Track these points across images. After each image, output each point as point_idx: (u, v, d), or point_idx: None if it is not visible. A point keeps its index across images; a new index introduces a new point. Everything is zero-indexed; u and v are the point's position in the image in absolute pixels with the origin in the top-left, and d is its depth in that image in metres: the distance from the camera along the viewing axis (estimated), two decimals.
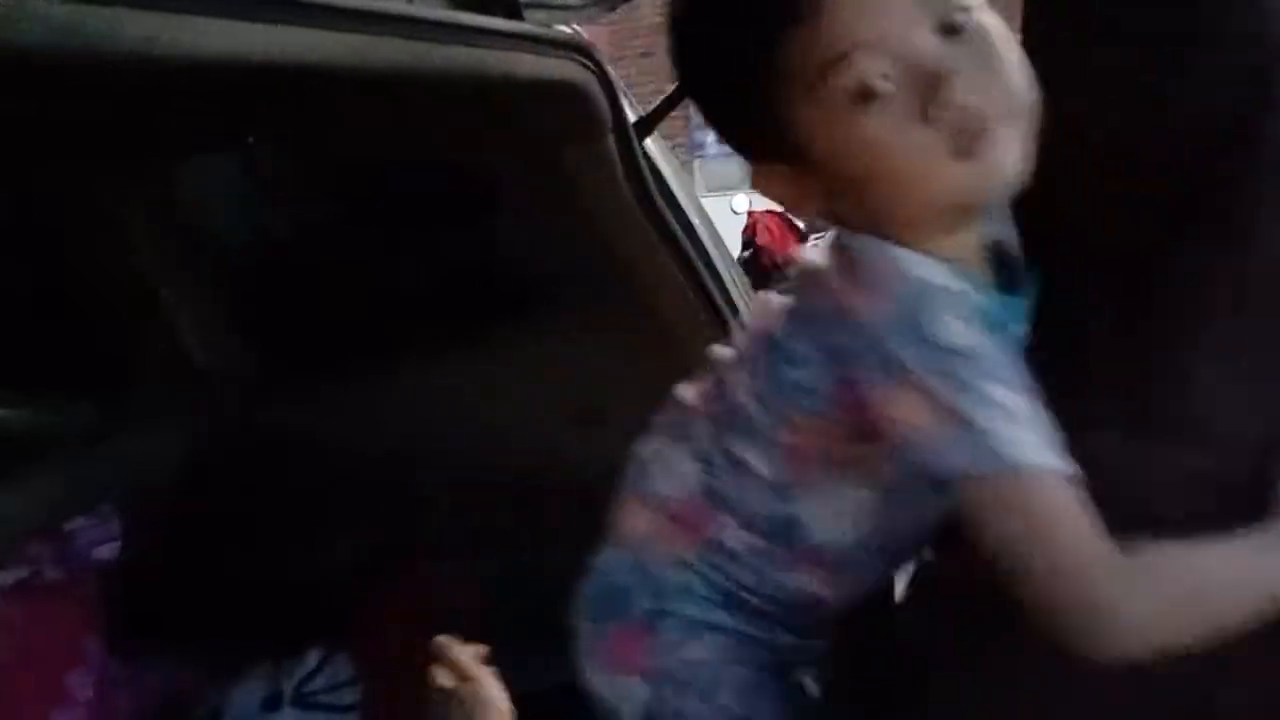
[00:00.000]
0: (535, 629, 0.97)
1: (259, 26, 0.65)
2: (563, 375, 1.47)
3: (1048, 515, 0.62)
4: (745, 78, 0.66)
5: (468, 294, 1.47)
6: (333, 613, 1.49)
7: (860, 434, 0.69)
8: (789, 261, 4.05)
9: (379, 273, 1.52)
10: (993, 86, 0.64)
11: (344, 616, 1.50)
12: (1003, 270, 0.73)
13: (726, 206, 5.65)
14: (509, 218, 1.42)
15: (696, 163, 8.55)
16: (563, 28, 1.06)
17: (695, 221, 1.28)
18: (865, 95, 0.63)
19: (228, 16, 0.63)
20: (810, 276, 0.73)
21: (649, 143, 1.22)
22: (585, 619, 0.88)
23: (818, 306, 0.71)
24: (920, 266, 0.66)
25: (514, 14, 0.97)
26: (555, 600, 0.89)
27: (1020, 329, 0.71)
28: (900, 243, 0.67)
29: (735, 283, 1.35)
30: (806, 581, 0.81)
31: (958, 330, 0.63)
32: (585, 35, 1.10)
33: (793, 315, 0.74)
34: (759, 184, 0.73)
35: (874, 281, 0.66)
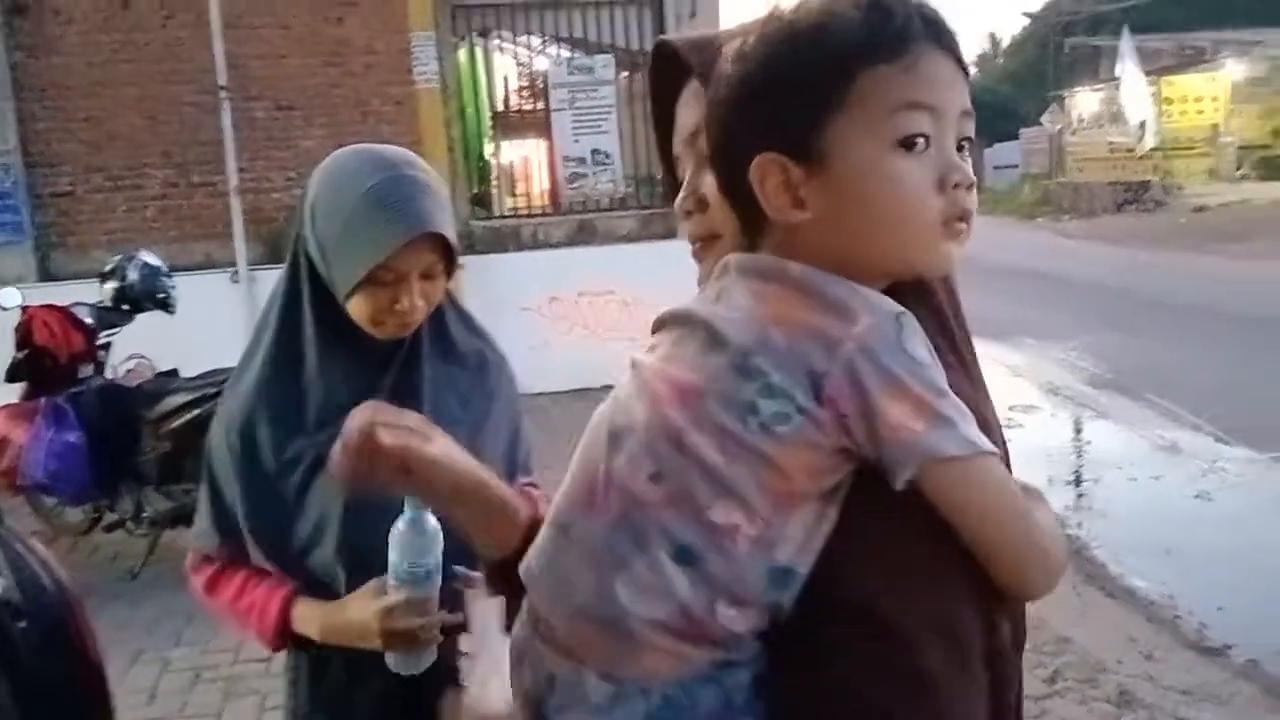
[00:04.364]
0: None
1: None
2: None
3: (1002, 483, 0.79)
4: (817, 80, 0.77)
5: None
6: None
7: (843, 444, 0.76)
8: (77, 359, 3.54)
9: None
10: (972, 204, 0.80)
11: None
12: None
13: None
14: None
15: None
16: None
17: None
18: (909, 144, 0.77)
19: None
20: (735, 320, 0.79)
21: None
22: None
23: (776, 336, 0.76)
24: (878, 295, 0.77)
25: None
26: None
27: None
28: (849, 278, 0.78)
29: None
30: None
31: (920, 347, 0.76)
32: None
33: (746, 355, 0.77)
34: (757, 168, 0.80)
35: (840, 307, 0.76)
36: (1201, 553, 4.88)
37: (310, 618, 1.44)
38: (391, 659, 1.38)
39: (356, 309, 1.40)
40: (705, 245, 0.93)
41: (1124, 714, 3.45)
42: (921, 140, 0.77)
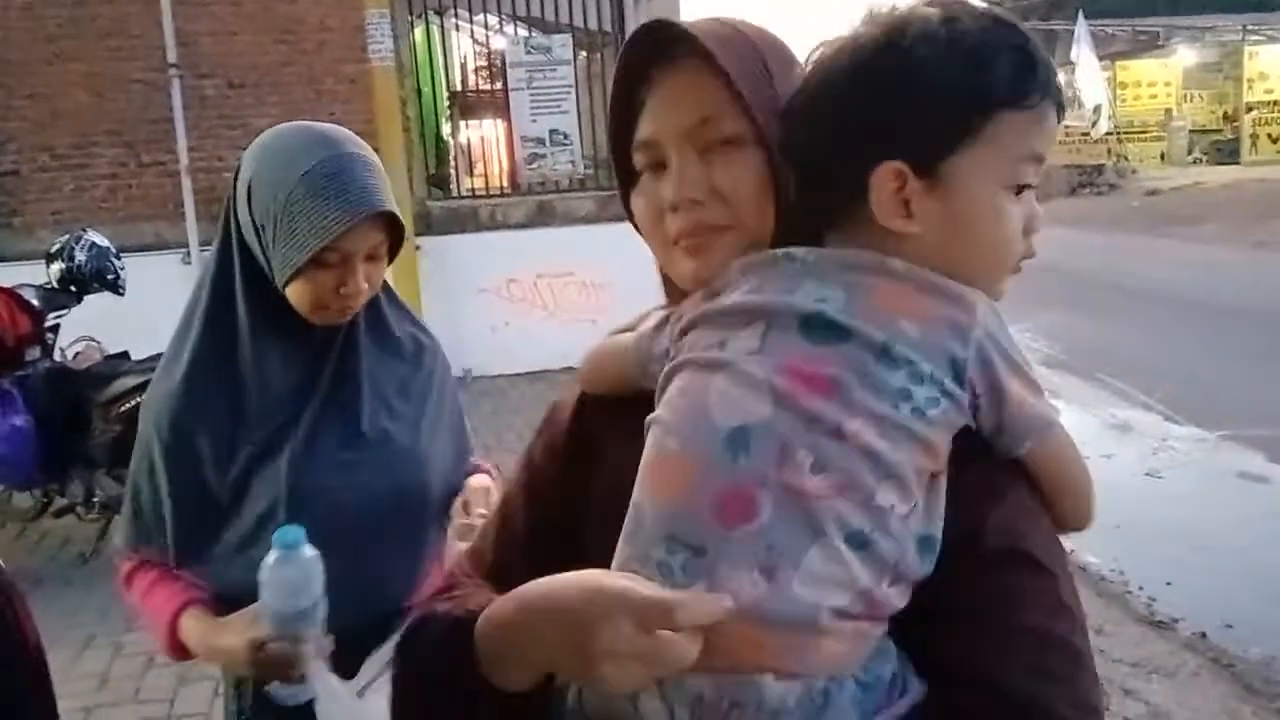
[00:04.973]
0: None
1: None
2: None
3: (1071, 436, 0.87)
4: (964, 108, 0.80)
5: None
6: None
7: (967, 422, 0.82)
8: (24, 342, 3.46)
9: None
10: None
11: None
12: None
13: None
14: None
15: None
16: None
17: None
18: (1020, 190, 0.83)
19: None
20: (842, 309, 0.81)
21: None
22: None
23: (908, 326, 0.80)
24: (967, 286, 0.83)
25: None
26: None
27: None
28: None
29: None
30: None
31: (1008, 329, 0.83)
32: None
33: (887, 344, 0.80)
34: (883, 172, 0.82)
35: (958, 299, 0.81)
36: (1151, 529, 4.96)
37: (194, 634, 1.36)
38: (271, 687, 1.30)
39: (297, 294, 1.34)
40: (710, 237, 0.89)
41: None
42: (1029, 188, 0.85)
